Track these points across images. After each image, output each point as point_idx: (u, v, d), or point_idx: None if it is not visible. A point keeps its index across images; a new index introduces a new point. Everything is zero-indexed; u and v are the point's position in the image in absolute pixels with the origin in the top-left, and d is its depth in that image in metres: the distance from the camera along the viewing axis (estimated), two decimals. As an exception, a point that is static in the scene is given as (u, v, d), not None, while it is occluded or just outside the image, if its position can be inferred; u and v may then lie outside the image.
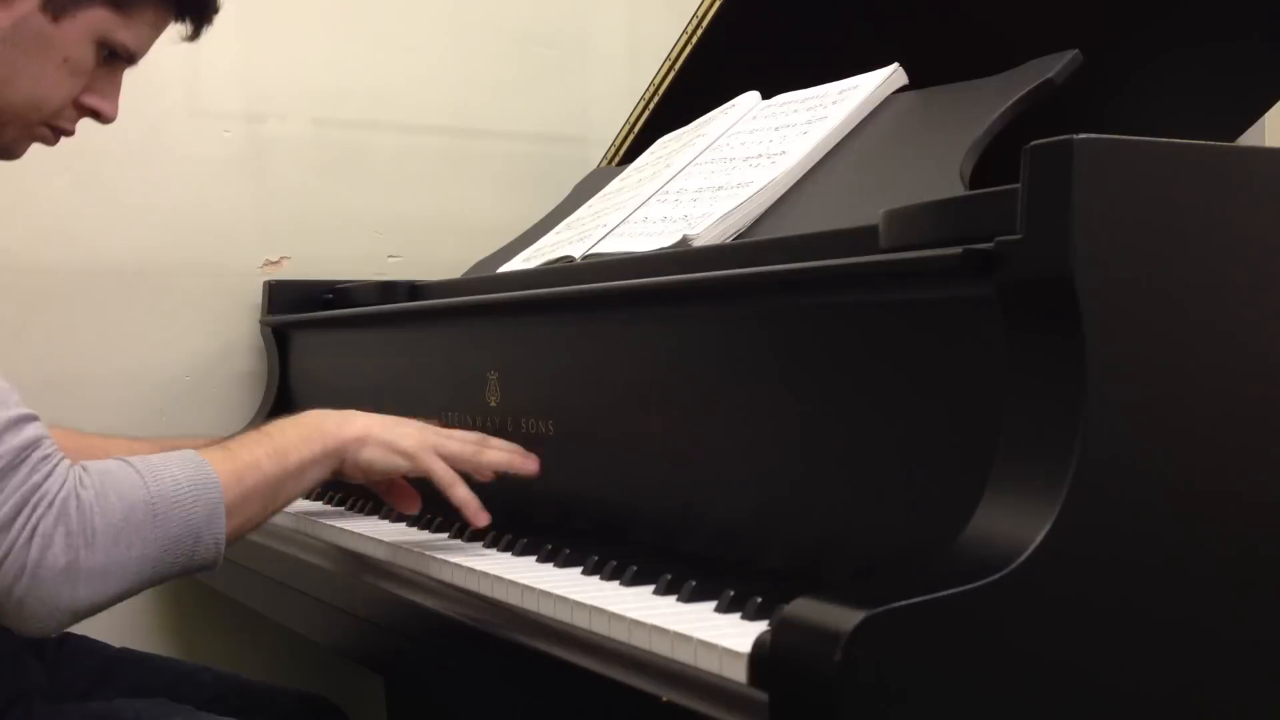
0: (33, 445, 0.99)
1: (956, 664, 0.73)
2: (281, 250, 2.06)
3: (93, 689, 1.39)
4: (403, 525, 1.37)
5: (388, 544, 1.27)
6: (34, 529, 0.97)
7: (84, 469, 1.02)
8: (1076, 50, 1.19)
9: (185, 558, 1.05)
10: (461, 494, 1.21)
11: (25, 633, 1.01)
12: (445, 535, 1.29)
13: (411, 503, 1.30)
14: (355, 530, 1.35)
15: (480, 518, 1.21)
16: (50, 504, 0.98)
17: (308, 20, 2.08)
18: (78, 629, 1.50)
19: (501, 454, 1.27)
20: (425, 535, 1.31)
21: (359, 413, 1.22)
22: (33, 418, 1.01)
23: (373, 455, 1.20)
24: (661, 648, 0.87)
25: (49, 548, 0.97)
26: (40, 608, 0.98)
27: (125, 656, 1.47)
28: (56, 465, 1.00)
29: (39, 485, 0.98)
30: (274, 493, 1.14)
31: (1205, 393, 0.81)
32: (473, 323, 1.48)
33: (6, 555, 0.96)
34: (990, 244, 0.82)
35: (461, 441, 1.25)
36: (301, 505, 1.49)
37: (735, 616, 0.90)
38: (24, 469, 0.98)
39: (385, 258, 2.13)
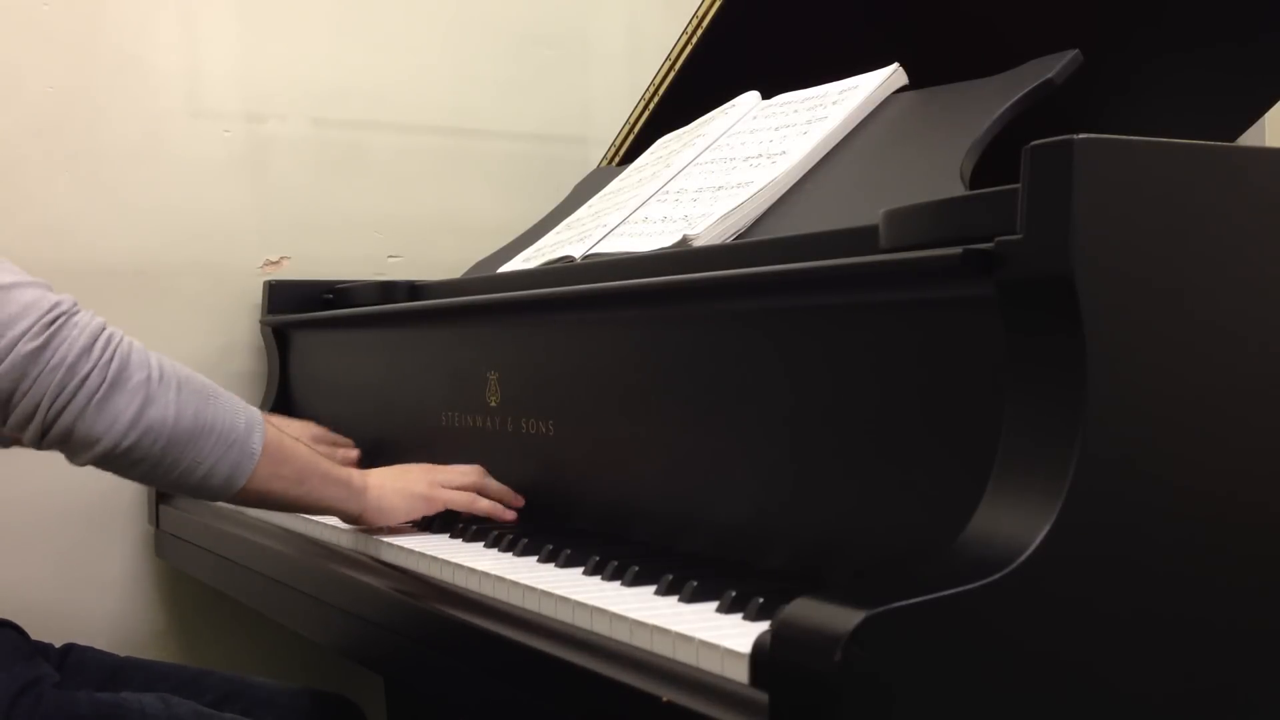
0: (77, 303, 1.12)
1: (956, 664, 0.73)
2: (281, 250, 2.06)
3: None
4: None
5: (388, 544, 1.27)
6: (114, 351, 1.10)
7: None
8: (1076, 50, 1.19)
9: (221, 450, 1.14)
10: (485, 506, 1.31)
11: (92, 440, 1.09)
12: (446, 536, 1.29)
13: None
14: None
15: (516, 503, 1.32)
16: (122, 339, 1.12)
17: (307, 20, 2.08)
18: (83, 638, 1.50)
19: (498, 487, 1.35)
20: (427, 536, 1.31)
21: (363, 470, 1.30)
22: None
23: (395, 502, 1.28)
24: (663, 648, 0.87)
25: (126, 366, 1.10)
26: (113, 414, 1.09)
27: (130, 664, 1.48)
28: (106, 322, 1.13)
29: (105, 326, 1.12)
30: (301, 477, 1.20)
31: (1205, 392, 0.81)
32: (473, 323, 1.48)
33: (93, 368, 1.08)
34: (990, 244, 0.82)
35: (462, 474, 1.33)
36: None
37: (737, 617, 0.90)
38: (85, 313, 1.12)
39: (385, 258, 2.13)
